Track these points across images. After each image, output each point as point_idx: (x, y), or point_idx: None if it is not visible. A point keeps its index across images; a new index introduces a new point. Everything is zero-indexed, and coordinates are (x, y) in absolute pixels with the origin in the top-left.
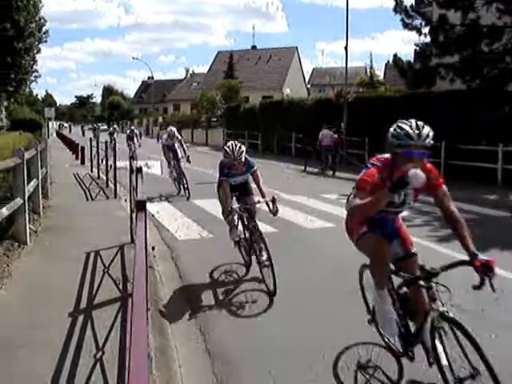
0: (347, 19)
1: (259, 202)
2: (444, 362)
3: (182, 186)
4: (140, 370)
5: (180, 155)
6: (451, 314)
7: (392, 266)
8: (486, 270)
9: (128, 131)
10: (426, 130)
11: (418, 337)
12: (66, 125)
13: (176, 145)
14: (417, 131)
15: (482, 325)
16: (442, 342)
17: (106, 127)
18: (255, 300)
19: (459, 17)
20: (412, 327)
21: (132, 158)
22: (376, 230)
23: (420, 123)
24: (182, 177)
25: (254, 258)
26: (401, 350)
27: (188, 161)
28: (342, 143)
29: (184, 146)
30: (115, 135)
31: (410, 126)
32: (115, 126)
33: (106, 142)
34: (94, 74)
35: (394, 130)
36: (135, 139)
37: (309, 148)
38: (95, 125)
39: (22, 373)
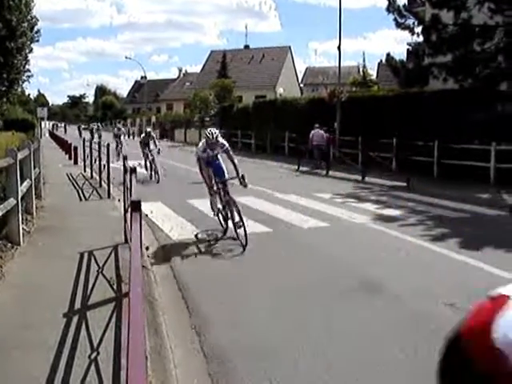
0: (340, 19)
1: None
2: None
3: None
4: (137, 371)
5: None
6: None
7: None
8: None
9: (115, 130)
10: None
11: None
12: (60, 124)
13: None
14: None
15: None
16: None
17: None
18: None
19: (451, 16)
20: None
21: (118, 154)
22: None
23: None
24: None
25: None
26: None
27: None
28: (334, 142)
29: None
30: (97, 133)
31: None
32: (98, 124)
33: (99, 142)
34: (86, 74)
35: None
36: (122, 137)
37: (302, 147)
38: (98, 124)
39: (17, 374)
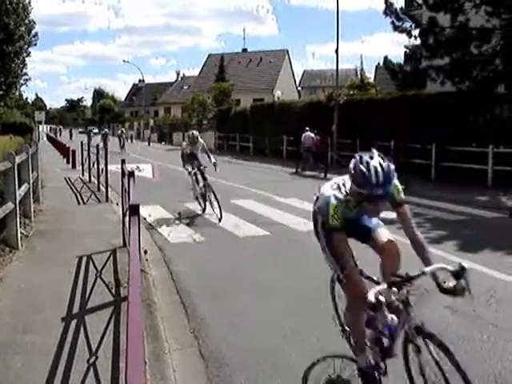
0: (338, 22)
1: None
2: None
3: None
4: (136, 375)
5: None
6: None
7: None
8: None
9: (119, 132)
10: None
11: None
12: (64, 129)
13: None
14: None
15: (474, 326)
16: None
17: (97, 130)
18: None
19: (449, 19)
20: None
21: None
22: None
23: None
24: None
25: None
26: (202, 204)
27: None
28: (325, 144)
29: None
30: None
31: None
32: (106, 130)
33: (98, 146)
34: (84, 78)
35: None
36: (123, 136)
37: (300, 150)
38: (106, 130)
39: (15, 379)
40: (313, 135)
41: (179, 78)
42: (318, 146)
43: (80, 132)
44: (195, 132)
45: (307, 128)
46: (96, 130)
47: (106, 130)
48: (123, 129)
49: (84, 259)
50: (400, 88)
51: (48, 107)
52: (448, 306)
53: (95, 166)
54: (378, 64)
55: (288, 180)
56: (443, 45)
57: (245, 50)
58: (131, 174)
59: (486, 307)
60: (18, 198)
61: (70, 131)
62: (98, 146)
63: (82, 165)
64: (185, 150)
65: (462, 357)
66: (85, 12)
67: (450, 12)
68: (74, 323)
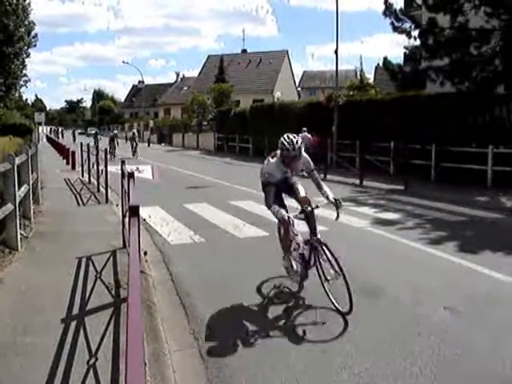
0: (337, 23)
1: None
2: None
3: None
4: (137, 377)
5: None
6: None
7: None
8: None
9: (131, 134)
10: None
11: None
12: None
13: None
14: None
15: (479, 327)
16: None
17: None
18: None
19: (448, 20)
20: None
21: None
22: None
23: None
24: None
25: None
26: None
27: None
28: (326, 145)
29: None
30: (99, 137)
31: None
32: (115, 131)
33: (106, 150)
34: (83, 79)
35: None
36: (136, 139)
37: None
38: (115, 132)
39: (15, 381)
40: (309, 136)
41: (179, 79)
42: (315, 147)
43: (80, 133)
44: (294, 136)
45: (304, 128)
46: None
47: (116, 131)
48: (135, 130)
49: (84, 260)
50: (399, 89)
51: (48, 108)
52: (448, 306)
53: (95, 167)
54: (378, 65)
55: None
56: (443, 45)
57: (244, 50)
58: (131, 175)
59: (489, 308)
60: (18, 200)
61: (73, 133)
62: (106, 150)
63: (82, 166)
64: (268, 171)
65: (463, 358)
66: (84, 13)
67: (450, 13)
68: (73, 324)
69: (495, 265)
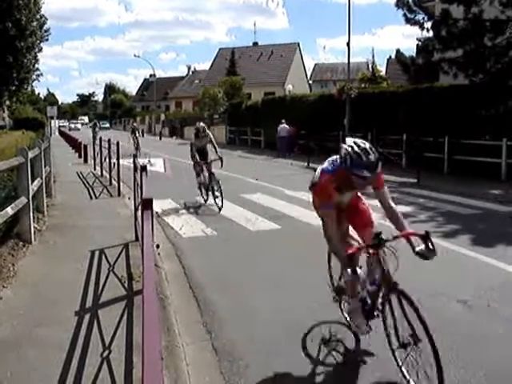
0: (349, 15)
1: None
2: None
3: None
4: (154, 371)
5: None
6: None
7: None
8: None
9: (130, 126)
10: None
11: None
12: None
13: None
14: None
15: (490, 321)
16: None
17: (107, 125)
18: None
19: (462, 11)
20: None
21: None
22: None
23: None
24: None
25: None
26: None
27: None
28: (299, 135)
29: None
30: (96, 129)
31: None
32: (134, 124)
33: (118, 143)
34: (95, 73)
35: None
36: (136, 132)
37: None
38: (134, 125)
39: (30, 372)
40: (287, 127)
41: (190, 73)
42: (292, 136)
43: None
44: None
45: (283, 120)
46: (107, 125)
47: (135, 123)
48: (135, 123)
49: (97, 253)
50: (412, 81)
51: (60, 102)
52: (461, 300)
53: (107, 160)
54: (390, 57)
55: (298, 173)
56: (456, 37)
57: (255, 43)
58: (143, 168)
59: (501, 301)
60: (31, 193)
61: (94, 128)
62: (109, 140)
63: (94, 159)
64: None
65: (476, 353)
66: (95, 7)
67: (464, 3)
68: (87, 317)
69: (509, 258)
